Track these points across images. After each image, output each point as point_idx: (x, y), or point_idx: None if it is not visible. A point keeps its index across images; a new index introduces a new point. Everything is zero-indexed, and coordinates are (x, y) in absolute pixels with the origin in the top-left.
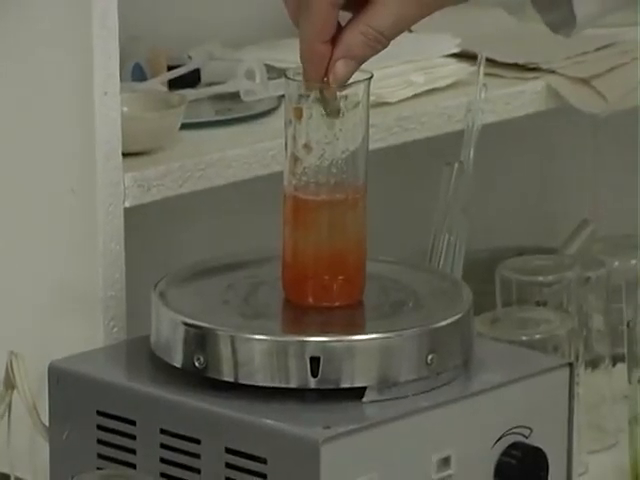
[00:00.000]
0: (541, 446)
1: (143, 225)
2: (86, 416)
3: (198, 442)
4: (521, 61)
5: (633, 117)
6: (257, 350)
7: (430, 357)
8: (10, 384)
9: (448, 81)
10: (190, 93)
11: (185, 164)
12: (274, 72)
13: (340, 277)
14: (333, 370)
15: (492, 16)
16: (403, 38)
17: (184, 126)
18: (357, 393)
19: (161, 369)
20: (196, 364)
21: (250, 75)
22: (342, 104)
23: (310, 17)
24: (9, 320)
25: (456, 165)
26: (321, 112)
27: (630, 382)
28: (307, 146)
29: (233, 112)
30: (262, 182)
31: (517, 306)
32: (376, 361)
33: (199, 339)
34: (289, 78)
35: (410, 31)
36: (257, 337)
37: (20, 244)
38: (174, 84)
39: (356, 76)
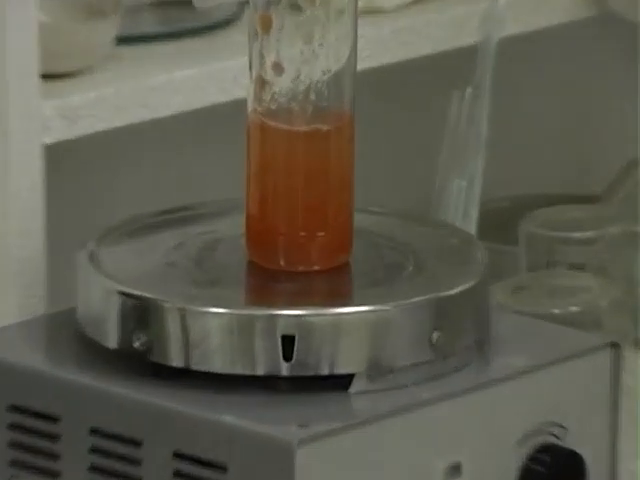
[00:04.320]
0: (578, 449)
1: (68, 167)
2: None
3: (139, 444)
4: None
5: None
6: (214, 327)
7: (435, 335)
8: None
9: None
10: None
11: (121, 89)
12: None
13: (320, 233)
14: (311, 352)
15: None
16: None
17: (120, 40)
18: (342, 382)
19: (91, 351)
20: (136, 345)
21: None
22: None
23: None
24: None
25: (468, 90)
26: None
27: None
28: (277, 65)
29: (183, 22)
30: (220, 112)
31: (546, 270)
32: (366, 341)
33: (140, 313)
34: None
35: None
36: (214, 310)
37: None
38: None
39: None
